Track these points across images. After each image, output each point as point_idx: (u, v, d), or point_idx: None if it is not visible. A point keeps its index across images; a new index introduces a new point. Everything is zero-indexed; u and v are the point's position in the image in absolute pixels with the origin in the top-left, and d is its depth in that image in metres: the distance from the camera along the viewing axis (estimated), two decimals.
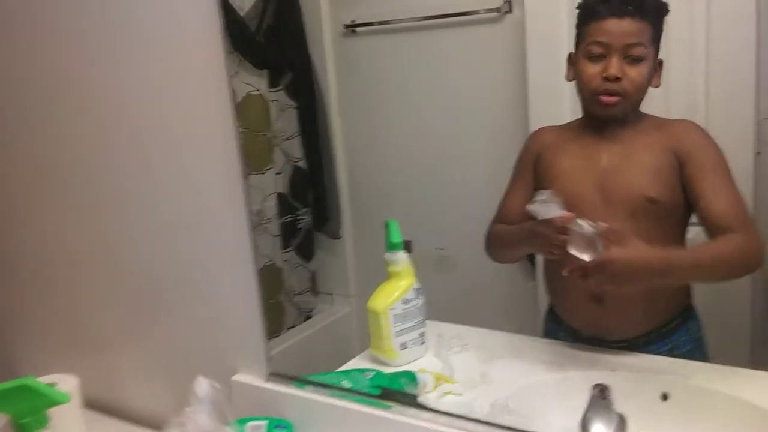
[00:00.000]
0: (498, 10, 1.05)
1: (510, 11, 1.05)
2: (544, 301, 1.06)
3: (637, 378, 0.92)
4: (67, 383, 1.11)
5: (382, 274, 1.09)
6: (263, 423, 0.96)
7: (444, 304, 1.14)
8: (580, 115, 0.96)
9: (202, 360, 1.17)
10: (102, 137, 1.19)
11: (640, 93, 0.89)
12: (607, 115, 0.91)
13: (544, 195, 0.88)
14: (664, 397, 0.90)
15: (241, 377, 1.08)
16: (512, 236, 1.00)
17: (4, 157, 1.35)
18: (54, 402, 0.70)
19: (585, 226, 0.85)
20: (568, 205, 0.89)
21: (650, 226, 0.89)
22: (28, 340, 1.44)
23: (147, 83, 1.10)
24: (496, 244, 1.04)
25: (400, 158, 1.24)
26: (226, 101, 1.02)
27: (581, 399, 0.83)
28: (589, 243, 0.84)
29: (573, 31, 0.93)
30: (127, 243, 1.21)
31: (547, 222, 0.87)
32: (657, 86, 0.88)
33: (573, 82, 0.94)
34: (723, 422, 0.85)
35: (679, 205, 0.89)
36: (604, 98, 0.89)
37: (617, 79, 0.87)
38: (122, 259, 1.23)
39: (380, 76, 1.23)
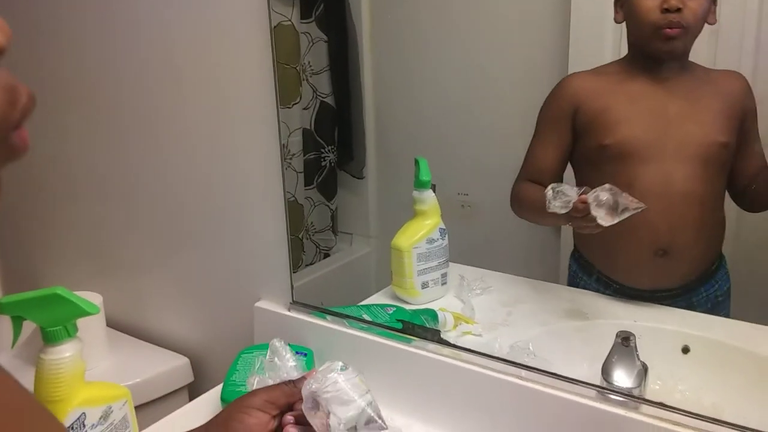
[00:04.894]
0: None
1: None
2: (568, 248, 1.05)
3: (659, 330, 0.91)
4: (92, 300, 1.13)
5: (404, 217, 1.09)
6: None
7: (466, 248, 1.13)
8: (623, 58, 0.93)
9: (226, 286, 1.18)
10: (133, 61, 1.18)
11: (699, 26, 0.85)
12: (668, 50, 0.87)
13: (550, 191, 0.86)
14: (685, 350, 0.89)
15: (263, 304, 1.09)
16: (544, 214, 0.94)
17: (32, 84, 1.34)
18: (83, 312, 0.70)
19: (602, 194, 0.83)
20: (635, 152, 0.88)
21: (718, 171, 0.88)
22: (55, 262, 1.46)
23: (182, 8, 1.08)
24: (525, 209, 1.02)
25: (430, 99, 1.21)
26: (264, 27, 1.00)
27: (602, 347, 0.83)
28: (614, 206, 0.83)
29: None
30: (159, 169, 1.21)
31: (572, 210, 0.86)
32: (713, 23, 0.85)
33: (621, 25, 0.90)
34: (742, 377, 0.85)
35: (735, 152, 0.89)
36: (668, 30, 0.85)
37: (678, 10, 0.84)
38: (152, 184, 1.24)
39: (414, 12, 1.20)
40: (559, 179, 0.97)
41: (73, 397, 0.72)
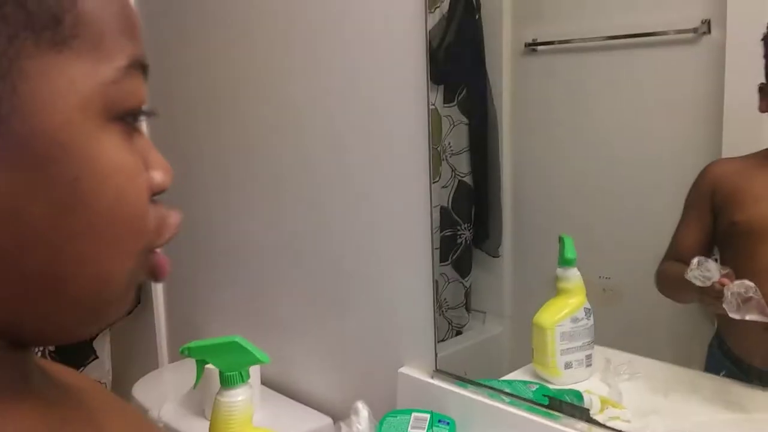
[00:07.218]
0: (694, 30, 0.99)
1: (708, 32, 1.00)
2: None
3: None
4: None
5: (539, 297, 1.08)
6: (426, 416, 0.97)
7: (609, 332, 1.10)
8: None
9: (372, 350, 1.23)
10: (299, 135, 1.30)
11: None
12: None
13: (695, 260, 0.88)
14: None
15: (407, 370, 1.12)
16: (681, 286, 0.97)
17: (197, 152, 1.50)
18: (257, 360, 0.76)
19: (744, 289, 0.83)
20: (761, 230, 0.87)
21: None
22: (214, 319, 1.57)
23: (349, 87, 1.19)
24: (667, 286, 1.02)
25: (570, 181, 1.22)
26: (423, 108, 1.08)
27: None
28: (747, 303, 0.83)
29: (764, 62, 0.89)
30: (317, 237, 1.30)
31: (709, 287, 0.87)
32: None
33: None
34: None
35: None
36: None
37: None
38: (310, 252, 1.32)
39: (557, 97, 1.22)
40: None
41: None
